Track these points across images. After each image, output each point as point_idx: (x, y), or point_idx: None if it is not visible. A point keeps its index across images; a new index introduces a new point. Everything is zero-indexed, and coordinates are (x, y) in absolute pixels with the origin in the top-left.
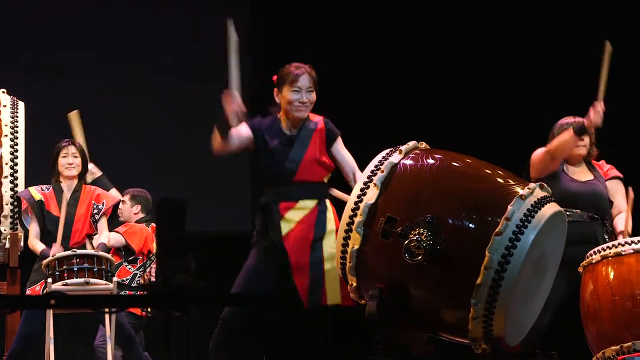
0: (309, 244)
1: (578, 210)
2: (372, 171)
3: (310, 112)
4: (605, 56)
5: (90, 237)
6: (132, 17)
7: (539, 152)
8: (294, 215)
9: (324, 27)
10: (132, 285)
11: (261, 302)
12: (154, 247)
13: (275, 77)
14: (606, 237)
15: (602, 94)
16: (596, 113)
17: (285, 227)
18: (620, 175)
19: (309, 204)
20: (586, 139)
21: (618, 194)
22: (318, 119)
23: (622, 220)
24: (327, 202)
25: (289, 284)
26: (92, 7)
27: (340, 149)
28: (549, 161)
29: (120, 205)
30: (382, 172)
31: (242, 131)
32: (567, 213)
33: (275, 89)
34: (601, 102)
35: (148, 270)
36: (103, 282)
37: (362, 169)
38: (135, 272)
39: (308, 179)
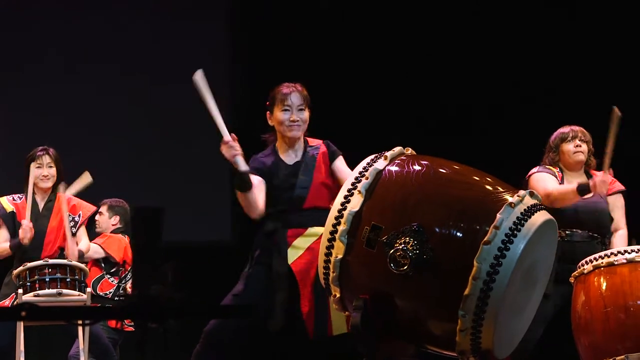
0: (315, 271)
1: (579, 231)
2: (356, 178)
3: (307, 135)
4: (614, 123)
5: (63, 249)
6: (111, 25)
7: (538, 186)
8: (303, 243)
9: (309, 42)
10: (115, 298)
11: (246, 315)
12: None
13: (267, 102)
14: None
15: (608, 163)
16: (601, 183)
17: (292, 255)
18: (623, 188)
19: (318, 230)
20: (584, 146)
21: (618, 209)
22: (318, 142)
23: (621, 241)
24: None
25: (295, 310)
26: (66, 8)
27: (341, 166)
28: (548, 203)
29: (98, 217)
30: (367, 178)
31: (257, 183)
32: (567, 232)
33: (268, 112)
34: (607, 171)
35: (129, 282)
36: (76, 293)
37: None
38: (118, 283)
39: (317, 205)
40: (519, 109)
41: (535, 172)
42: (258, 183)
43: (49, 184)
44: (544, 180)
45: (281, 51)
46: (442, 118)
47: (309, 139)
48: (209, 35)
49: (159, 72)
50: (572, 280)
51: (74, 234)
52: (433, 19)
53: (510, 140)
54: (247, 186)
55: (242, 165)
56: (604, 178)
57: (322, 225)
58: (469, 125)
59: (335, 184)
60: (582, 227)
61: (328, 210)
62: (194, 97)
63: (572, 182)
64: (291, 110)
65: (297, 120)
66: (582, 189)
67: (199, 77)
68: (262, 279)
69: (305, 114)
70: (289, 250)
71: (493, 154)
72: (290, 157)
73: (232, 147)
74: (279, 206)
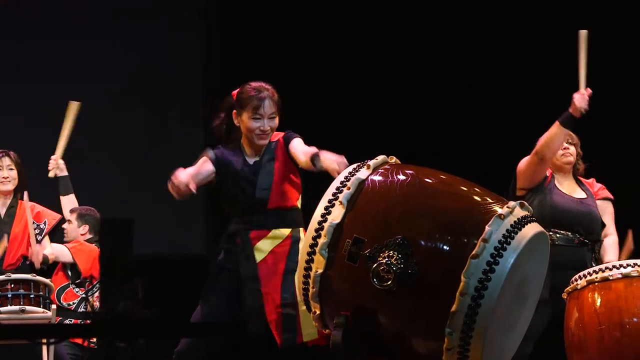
0: (280, 277)
1: (568, 233)
2: (337, 188)
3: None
4: (582, 44)
5: (26, 258)
6: (80, 36)
7: (525, 159)
8: (266, 245)
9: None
10: (79, 311)
11: (221, 333)
12: None
13: (234, 94)
14: (594, 264)
15: (583, 82)
16: (580, 96)
17: (257, 257)
18: (611, 197)
19: (282, 232)
20: (572, 148)
21: (607, 215)
22: (278, 137)
23: (611, 250)
24: (301, 230)
25: (261, 316)
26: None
27: (297, 146)
28: (537, 163)
29: (66, 225)
30: (349, 189)
31: (204, 168)
32: (557, 235)
33: (235, 111)
34: (583, 88)
35: (96, 295)
36: (40, 309)
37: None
38: (83, 295)
39: (281, 205)
40: (505, 114)
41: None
42: (205, 167)
43: (10, 187)
44: (526, 157)
45: (257, 54)
46: (428, 125)
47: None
48: (182, 43)
49: (132, 79)
50: (565, 296)
51: (38, 242)
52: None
53: (497, 148)
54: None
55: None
56: (581, 92)
57: (287, 226)
58: (456, 133)
59: (299, 180)
60: (574, 229)
61: (294, 209)
62: (166, 103)
63: (562, 183)
64: (262, 119)
65: (267, 130)
66: (565, 118)
67: None
68: (226, 289)
69: (276, 122)
70: (254, 252)
71: (481, 162)
72: (252, 157)
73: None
74: (240, 206)
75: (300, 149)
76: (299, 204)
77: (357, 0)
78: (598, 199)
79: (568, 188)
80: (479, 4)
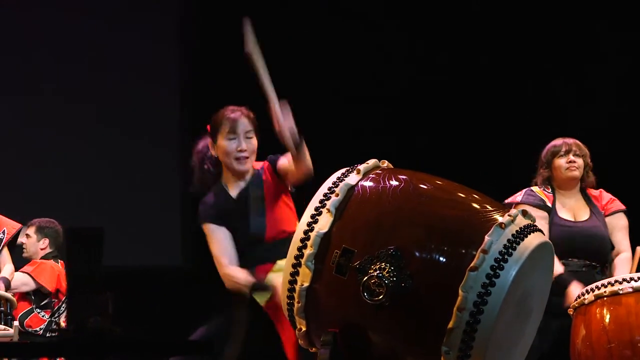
0: None
1: (574, 260)
2: (324, 194)
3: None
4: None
5: None
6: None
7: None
8: (274, 279)
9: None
10: (47, 334)
11: (202, 352)
12: None
13: (209, 127)
14: None
15: None
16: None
17: (264, 294)
18: (623, 207)
19: None
20: (579, 161)
21: (618, 230)
22: (262, 164)
23: (622, 267)
24: None
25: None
26: None
27: (286, 161)
28: None
29: (25, 240)
30: (337, 195)
31: (227, 237)
32: (562, 262)
33: (210, 141)
34: None
35: (64, 316)
36: (1, 327)
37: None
38: (50, 318)
39: (280, 232)
40: (506, 116)
41: (520, 202)
42: (225, 236)
43: None
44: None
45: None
46: (423, 127)
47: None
48: (159, 56)
49: (105, 91)
50: (570, 311)
51: None
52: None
53: (498, 152)
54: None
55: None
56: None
57: None
58: (453, 136)
59: (290, 197)
60: (578, 256)
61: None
62: (138, 110)
63: (566, 203)
64: (238, 139)
65: (245, 150)
66: (560, 282)
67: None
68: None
69: (254, 142)
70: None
71: (480, 167)
72: (235, 190)
73: None
74: (239, 245)
75: (286, 159)
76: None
77: (343, 8)
78: (607, 215)
79: (571, 210)
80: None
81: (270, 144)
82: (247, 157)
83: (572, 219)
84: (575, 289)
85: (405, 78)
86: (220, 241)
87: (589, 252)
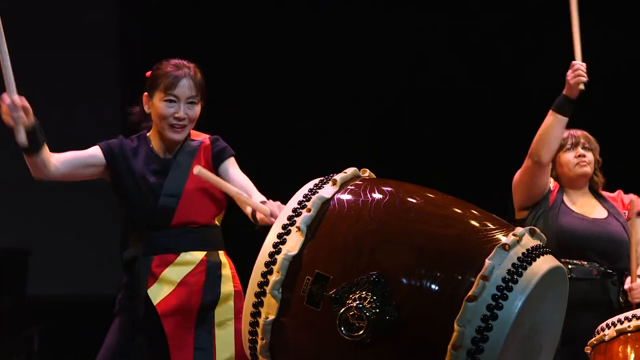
0: (194, 317)
1: (584, 263)
2: (294, 210)
3: (192, 130)
4: (573, 9)
5: None
6: None
7: (518, 173)
8: (173, 274)
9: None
10: None
11: None
12: None
13: (148, 74)
14: (622, 300)
15: (579, 53)
16: (574, 71)
17: (159, 292)
18: None
19: (195, 256)
20: (589, 155)
21: None
22: (203, 137)
23: None
24: (222, 254)
25: None
26: None
27: (229, 169)
28: (534, 168)
29: None
30: (309, 211)
31: (85, 154)
32: (569, 266)
33: (145, 94)
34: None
35: None
36: None
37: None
38: None
39: (192, 221)
40: (508, 121)
41: None
42: (88, 151)
43: None
44: None
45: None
46: (411, 131)
47: (193, 133)
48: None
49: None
50: (588, 350)
51: None
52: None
53: (500, 160)
54: (29, 151)
55: (20, 136)
56: (575, 66)
57: (201, 248)
58: (447, 141)
59: (221, 194)
60: (590, 257)
61: (209, 228)
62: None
63: (575, 200)
64: (178, 104)
65: (184, 119)
66: (559, 103)
67: None
68: (120, 340)
69: (196, 110)
70: (155, 286)
71: (479, 177)
72: (163, 153)
73: (14, 110)
74: (139, 219)
75: (235, 176)
76: (218, 222)
77: None
78: (629, 218)
79: (582, 206)
80: None
81: (216, 113)
82: (184, 127)
83: (584, 215)
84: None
85: (394, 77)
86: (78, 153)
87: (603, 255)
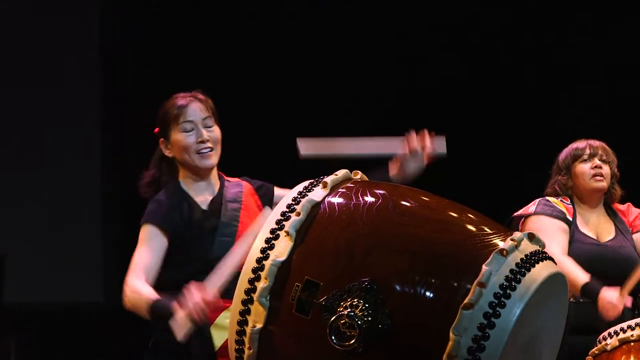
0: None
1: None
2: (282, 214)
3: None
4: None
5: None
6: None
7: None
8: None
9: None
10: None
11: None
12: None
13: (156, 129)
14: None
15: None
16: (609, 305)
17: (218, 338)
18: None
19: None
20: (605, 168)
21: None
22: (236, 180)
23: None
24: None
25: None
26: None
27: (276, 191)
28: None
29: None
30: (298, 214)
31: (156, 251)
32: None
33: (161, 140)
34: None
35: None
36: None
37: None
38: None
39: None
40: (507, 119)
41: (533, 213)
42: (158, 242)
43: None
44: (546, 233)
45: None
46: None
47: (223, 175)
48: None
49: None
50: (589, 359)
51: None
52: None
53: (496, 161)
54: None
55: (181, 336)
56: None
57: None
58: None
59: None
60: (603, 282)
61: None
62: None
63: (588, 220)
64: (196, 129)
65: (207, 140)
66: (588, 292)
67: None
68: None
69: (216, 131)
70: (212, 332)
71: (477, 180)
72: (203, 197)
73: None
74: (191, 267)
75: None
76: None
77: None
78: (635, 232)
79: (594, 228)
80: None
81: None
82: (212, 149)
83: (596, 238)
84: (607, 294)
85: (394, 77)
86: (150, 251)
87: (616, 278)
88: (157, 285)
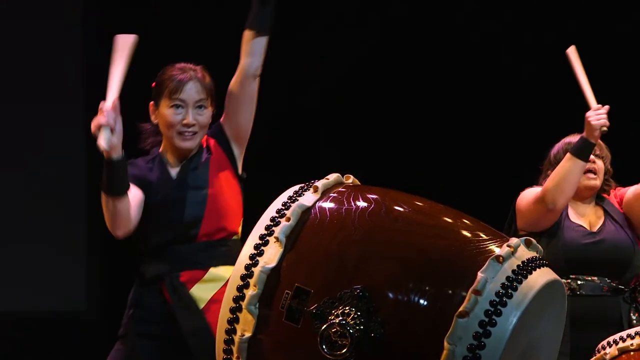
0: None
1: (594, 278)
2: (272, 219)
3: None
4: (574, 61)
5: None
6: None
7: (528, 196)
8: (203, 292)
9: None
10: None
11: None
12: None
13: (154, 85)
14: (634, 317)
15: (592, 98)
16: (595, 113)
17: (200, 297)
18: None
19: (222, 273)
20: (599, 163)
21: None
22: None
23: None
24: None
25: None
26: None
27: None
28: (545, 211)
29: None
30: (288, 220)
31: (137, 192)
32: (578, 282)
33: (152, 103)
34: (594, 103)
35: None
36: None
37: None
38: None
39: (219, 231)
40: (507, 120)
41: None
42: (135, 194)
43: None
44: (532, 190)
45: None
46: (400, 132)
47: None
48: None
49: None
50: None
51: None
52: None
53: (495, 163)
54: (123, 187)
55: (103, 143)
56: (594, 108)
57: (230, 262)
58: (437, 143)
59: (239, 191)
60: (598, 272)
61: (234, 239)
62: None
63: (580, 212)
64: (186, 109)
65: (193, 125)
66: (579, 148)
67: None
68: None
69: (207, 115)
70: (191, 293)
71: (473, 184)
72: (175, 168)
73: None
74: (161, 237)
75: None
76: (240, 231)
77: None
78: (625, 206)
79: (587, 217)
80: None
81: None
82: (195, 133)
83: (587, 227)
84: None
85: (392, 78)
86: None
87: (612, 268)
88: (139, 253)
